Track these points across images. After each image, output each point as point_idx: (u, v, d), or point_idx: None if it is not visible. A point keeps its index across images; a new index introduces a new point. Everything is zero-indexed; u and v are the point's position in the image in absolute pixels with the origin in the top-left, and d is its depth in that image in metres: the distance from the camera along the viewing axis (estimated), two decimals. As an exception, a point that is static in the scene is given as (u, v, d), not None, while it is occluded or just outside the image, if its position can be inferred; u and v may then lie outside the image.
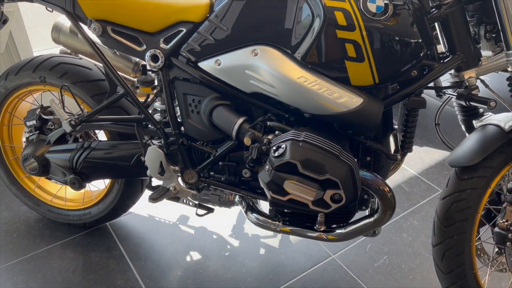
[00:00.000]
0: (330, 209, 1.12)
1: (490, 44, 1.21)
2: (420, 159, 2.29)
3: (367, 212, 1.39)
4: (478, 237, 1.31)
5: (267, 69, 1.15)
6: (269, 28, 1.15)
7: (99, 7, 1.28)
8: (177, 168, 1.39)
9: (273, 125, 1.22)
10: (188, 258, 1.72)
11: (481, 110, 1.31)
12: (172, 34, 1.27)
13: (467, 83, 1.20)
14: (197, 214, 1.54)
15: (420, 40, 1.11)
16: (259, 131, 1.22)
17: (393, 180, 2.12)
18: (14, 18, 2.10)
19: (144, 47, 1.30)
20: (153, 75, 1.41)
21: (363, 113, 1.12)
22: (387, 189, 1.22)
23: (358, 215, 1.36)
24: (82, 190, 1.70)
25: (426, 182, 2.12)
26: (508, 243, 1.23)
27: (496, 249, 1.35)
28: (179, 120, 1.37)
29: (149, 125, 1.43)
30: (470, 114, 1.31)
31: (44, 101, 1.61)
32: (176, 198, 1.49)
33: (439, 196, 1.27)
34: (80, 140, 1.61)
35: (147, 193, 1.58)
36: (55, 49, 1.68)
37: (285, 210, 1.37)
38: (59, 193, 1.82)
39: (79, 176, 1.50)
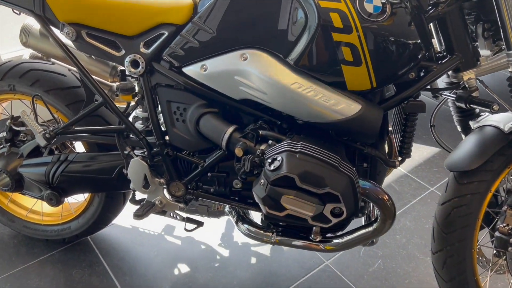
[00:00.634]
0: (330, 224, 1.05)
1: (488, 43, 1.16)
2: (409, 157, 2.26)
3: (362, 220, 1.34)
4: (478, 242, 1.28)
5: (258, 75, 1.07)
6: (258, 30, 1.08)
7: (71, 9, 1.18)
8: (162, 180, 1.30)
9: (266, 134, 1.15)
10: (176, 271, 1.64)
11: (477, 110, 1.26)
12: (152, 38, 1.19)
13: (466, 85, 1.16)
14: (185, 230, 1.46)
15: (419, 41, 1.05)
16: (251, 140, 1.14)
17: (383, 180, 2.09)
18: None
19: (123, 52, 1.21)
20: (133, 80, 1.32)
21: (362, 120, 1.05)
22: (386, 197, 1.16)
23: (354, 222, 1.30)
24: (60, 204, 1.60)
25: (416, 180, 2.09)
26: (510, 248, 1.20)
27: (495, 251, 1.32)
28: (163, 129, 1.28)
29: (131, 135, 1.34)
30: (467, 114, 1.27)
31: (15, 111, 1.50)
32: (162, 212, 1.41)
33: (438, 201, 1.23)
34: (56, 152, 1.50)
35: (130, 203, 1.49)
36: (26, 51, 1.56)
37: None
38: (35, 208, 1.71)
39: (56, 191, 1.40)
